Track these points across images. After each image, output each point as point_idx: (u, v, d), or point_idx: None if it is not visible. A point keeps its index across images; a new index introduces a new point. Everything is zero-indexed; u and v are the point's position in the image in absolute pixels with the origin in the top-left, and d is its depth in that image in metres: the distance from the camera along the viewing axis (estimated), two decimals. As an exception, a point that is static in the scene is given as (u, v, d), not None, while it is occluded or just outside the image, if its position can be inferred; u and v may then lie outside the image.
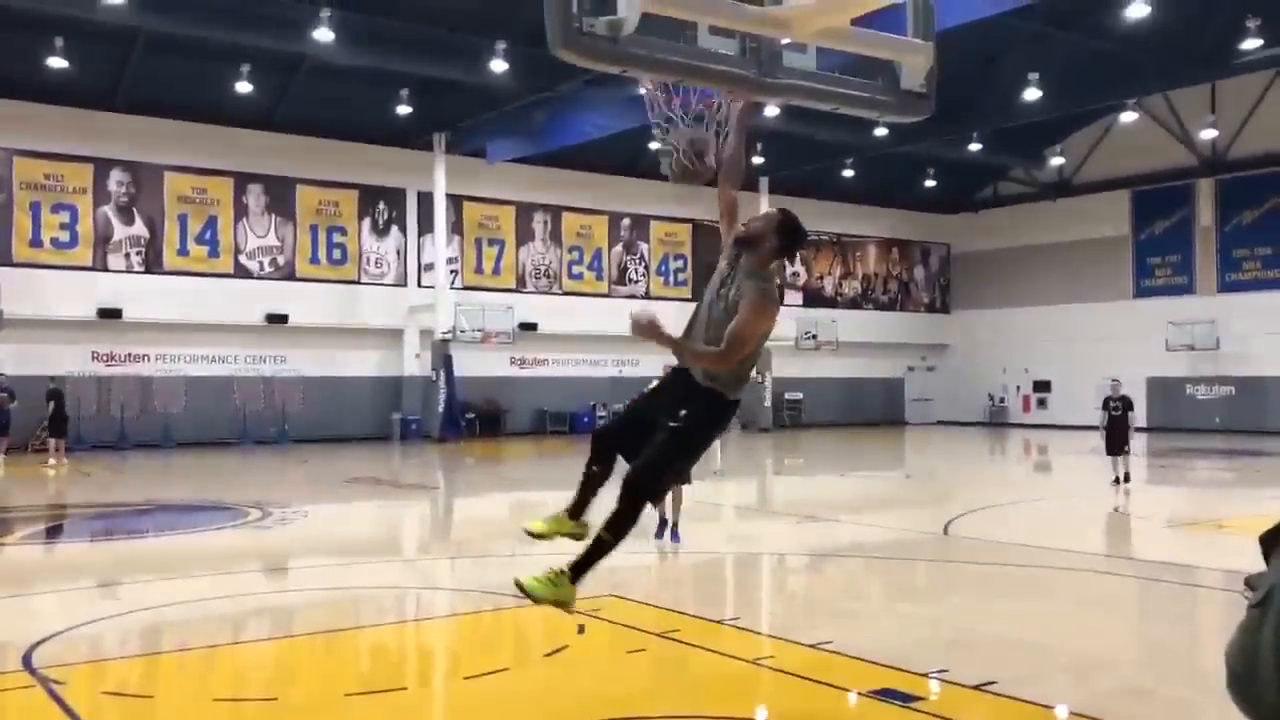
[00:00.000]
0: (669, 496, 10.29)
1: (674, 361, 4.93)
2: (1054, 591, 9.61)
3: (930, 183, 37.59)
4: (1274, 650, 1.62)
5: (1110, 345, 36.34)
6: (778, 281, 4.91)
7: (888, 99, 5.49)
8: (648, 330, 4.66)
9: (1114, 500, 15.95)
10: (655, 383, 5.09)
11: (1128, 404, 17.50)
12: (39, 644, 7.06)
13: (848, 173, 34.99)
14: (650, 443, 4.71)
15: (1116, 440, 17.17)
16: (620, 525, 4.70)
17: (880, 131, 29.38)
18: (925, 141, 31.15)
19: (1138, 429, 29.28)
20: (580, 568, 4.70)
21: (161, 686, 6.66)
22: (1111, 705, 5.72)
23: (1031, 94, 26.83)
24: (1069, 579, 10.22)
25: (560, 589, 4.67)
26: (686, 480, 10.10)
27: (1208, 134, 33.28)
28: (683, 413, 4.68)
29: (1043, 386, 39.31)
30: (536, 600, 4.69)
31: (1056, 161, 37.17)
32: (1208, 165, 34.49)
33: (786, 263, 38.74)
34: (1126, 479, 17.12)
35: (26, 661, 6.66)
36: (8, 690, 6.21)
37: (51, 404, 22.38)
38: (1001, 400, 40.75)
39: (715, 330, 4.73)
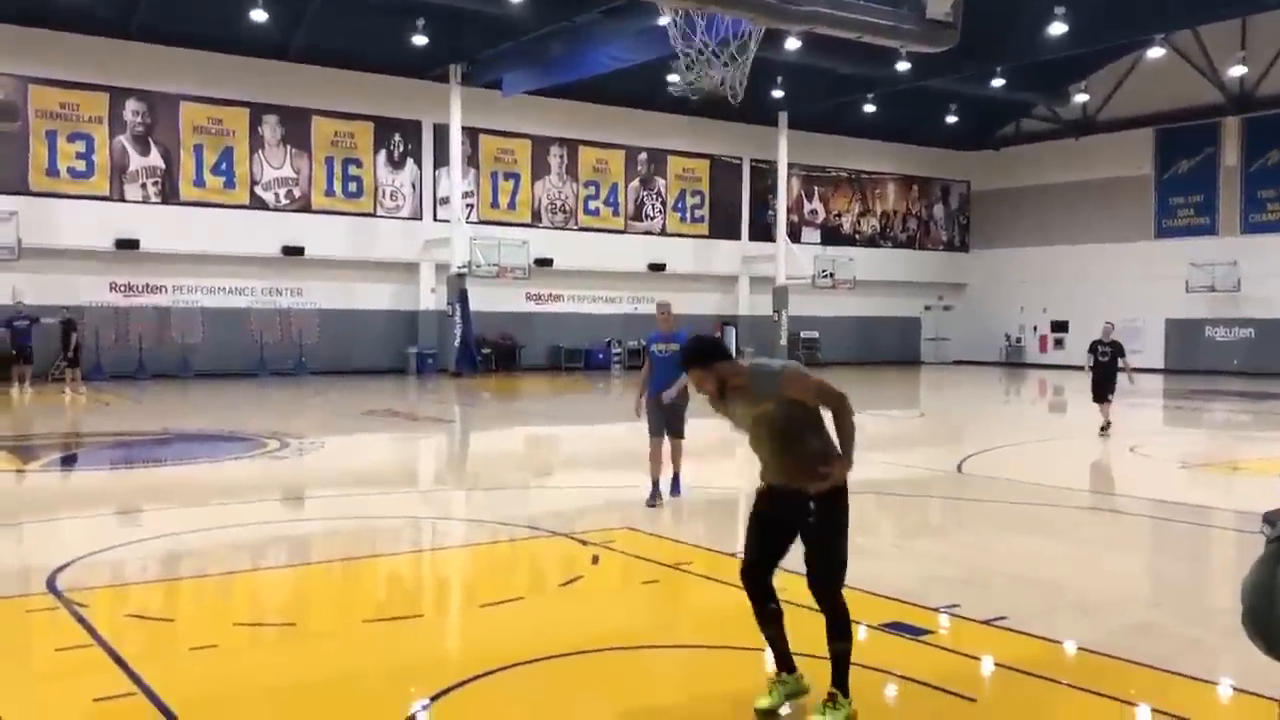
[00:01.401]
0: (665, 452, 9.97)
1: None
2: (1066, 530, 9.64)
3: (952, 119, 37.10)
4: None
5: (1130, 286, 36.10)
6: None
7: (912, 28, 5.39)
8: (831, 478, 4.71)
9: (1129, 441, 15.90)
10: (759, 513, 5.03)
11: (1118, 349, 16.55)
12: (62, 568, 7.18)
13: (868, 108, 34.51)
14: (814, 552, 4.82)
15: (1104, 386, 16.37)
16: (844, 627, 4.78)
17: (902, 66, 28.90)
18: (947, 77, 30.65)
19: (1151, 370, 28.98)
20: (843, 681, 4.67)
21: (181, 610, 6.78)
22: (1121, 642, 5.76)
23: (1057, 28, 26.28)
24: (1082, 517, 10.25)
25: (842, 708, 4.61)
26: (680, 434, 9.99)
27: (1236, 71, 32.62)
28: (813, 506, 4.74)
29: (1060, 327, 39.12)
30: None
31: (1080, 98, 36.59)
32: (1235, 103, 33.88)
33: (805, 199, 38.41)
34: (1104, 429, 16.15)
35: (51, 584, 6.78)
36: (34, 611, 6.33)
37: (70, 334, 22.55)
38: (1018, 340, 40.61)
39: (787, 437, 4.78)
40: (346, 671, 5.31)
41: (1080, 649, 5.73)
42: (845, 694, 4.63)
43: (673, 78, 15.69)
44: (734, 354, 4.97)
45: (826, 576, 4.82)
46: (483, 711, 4.80)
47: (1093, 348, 16.84)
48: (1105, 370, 16.40)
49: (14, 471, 12.70)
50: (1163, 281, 35.47)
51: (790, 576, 7.36)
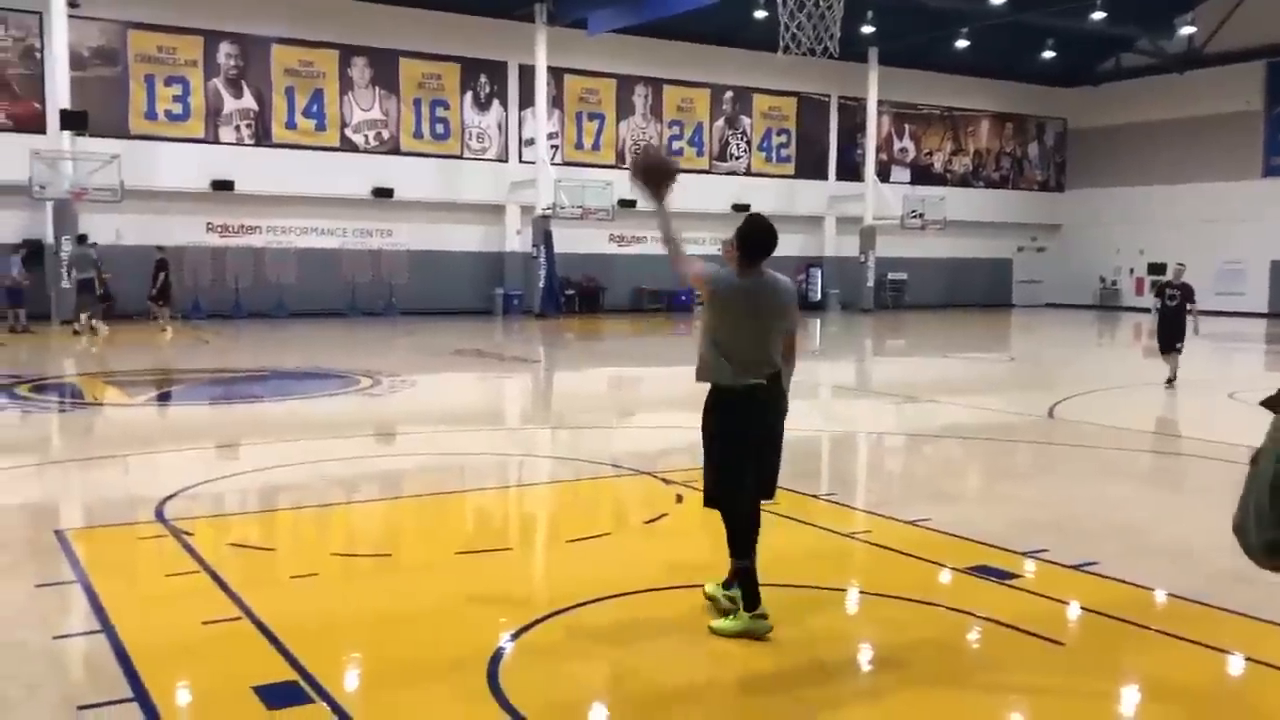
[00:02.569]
0: None
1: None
2: (1160, 476, 9.46)
3: (1049, 54, 35.82)
4: (1255, 503, 2.11)
5: (1233, 227, 34.81)
6: (731, 272, 5.06)
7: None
8: None
9: (1229, 387, 15.44)
10: None
11: (1187, 293, 15.06)
12: (169, 498, 7.50)
13: (961, 43, 33.49)
14: None
15: (1170, 334, 15.09)
16: (728, 541, 5.08)
17: (998, -1, 28.05)
18: (1045, 9, 29.63)
19: (1254, 315, 27.82)
20: (745, 596, 4.97)
21: (281, 540, 7.04)
22: (1213, 589, 5.67)
23: (1164, -43, 25.18)
24: (1176, 464, 10.05)
25: (739, 622, 4.93)
26: None
27: (1357, -1, 30.95)
28: None
29: (1158, 269, 37.87)
30: (727, 635, 4.93)
31: (1186, 31, 35.03)
32: (1355, 34, 32.18)
33: (895, 137, 37.70)
34: (1171, 382, 14.95)
35: (159, 513, 7.10)
36: (144, 539, 6.64)
37: (159, 273, 23.22)
38: (1114, 283, 39.53)
39: None
40: (440, 601, 5.48)
41: (1170, 595, 5.66)
42: (749, 609, 4.90)
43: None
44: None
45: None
46: (571, 643, 4.93)
47: (1159, 291, 15.61)
48: (1173, 316, 15.13)
49: (123, 405, 13.23)
50: (1270, 222, 34.07)
51: (874, 519, 7.38)
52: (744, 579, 4.95)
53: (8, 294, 22.18)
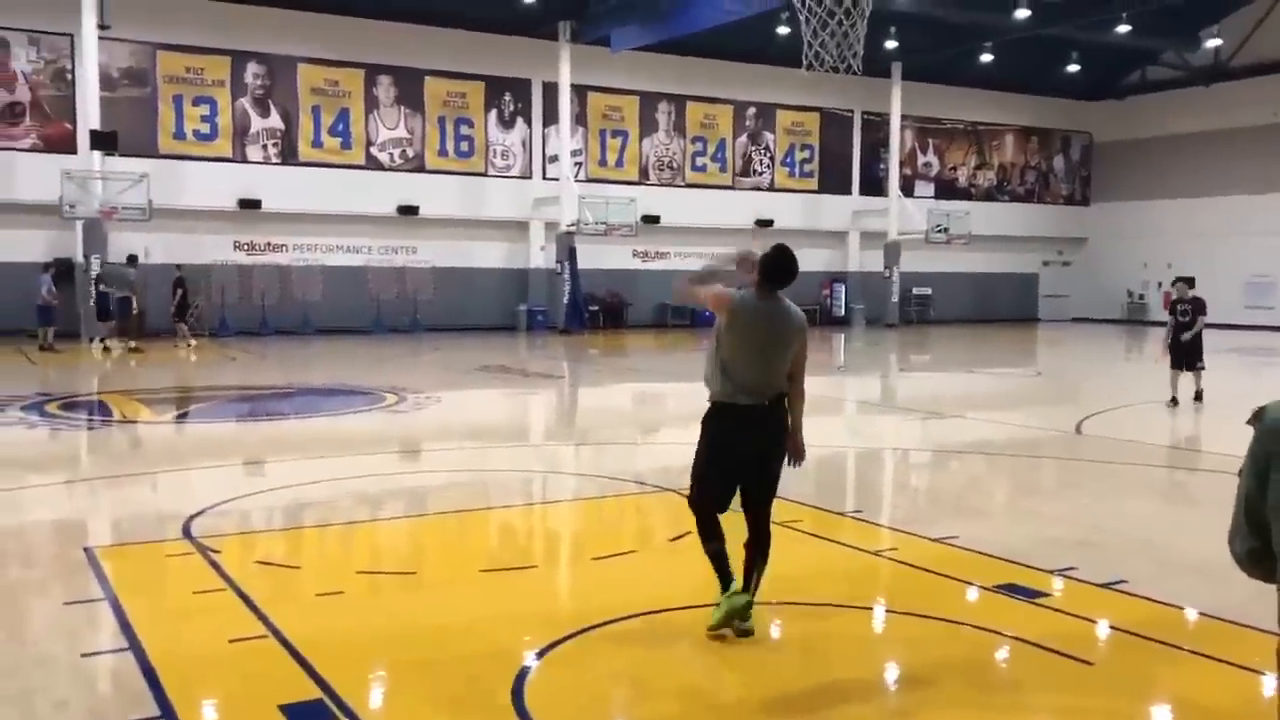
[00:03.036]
0: None
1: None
2: (1189, 492, 9.36)
3: (1073, 68, 35.68)
4: (1237, 515, 2.35)
5: (1261, 240, 34.47)
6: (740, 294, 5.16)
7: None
8: None
9: (1260, 401, 15.23)
10: None
11: (1199, 308, 14.72)
12: (196, 516, 7.55)
13: (986, 58, 33.43)
14: None
15: (1184, 352, 14.57)
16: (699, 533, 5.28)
17: (1021, 13, 27.97)
18: (1069, 23, 29.52)
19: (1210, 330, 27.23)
20: (720, 579, 5.19)
21: (307, 558, 7.07)
22: (1245, 607, 5.57)
23: (1190, -31, 25.03)
24: (1205, 480, 9.93)
25: (720, 607, 5.11)
26: None
27: (1386, 10, 30.67)
28: None
29: (1186, 283, 37.58)
30: (718, 626, 5.12)
31: (1212, 43, 34.74)
32: (1385, 44, 31.87)
33: (919, 152, 37.64)
34: (1199, 397, 14.58)
35: (186, 531, 7.14)
36: (172, 556, 6.67)
37: (178, 291, 23.45)
38: (1141, 297, 39.21)
39: None
40: (465, 619, 5.48)
41: (1201, 614, 5.60)
42: (725, 589, 5.10)
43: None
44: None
45: None
46: (596, 661, 4.92)
47: (1172, 308, 15.24)
48: (1186, 333, 14.64)
49: (150, 423, 13.33)
50: (1299, 236, 33.79)
51: (900, 536, 7.33)
52: (715, 561, 5.15)
53: (38, 312, 22.42)
